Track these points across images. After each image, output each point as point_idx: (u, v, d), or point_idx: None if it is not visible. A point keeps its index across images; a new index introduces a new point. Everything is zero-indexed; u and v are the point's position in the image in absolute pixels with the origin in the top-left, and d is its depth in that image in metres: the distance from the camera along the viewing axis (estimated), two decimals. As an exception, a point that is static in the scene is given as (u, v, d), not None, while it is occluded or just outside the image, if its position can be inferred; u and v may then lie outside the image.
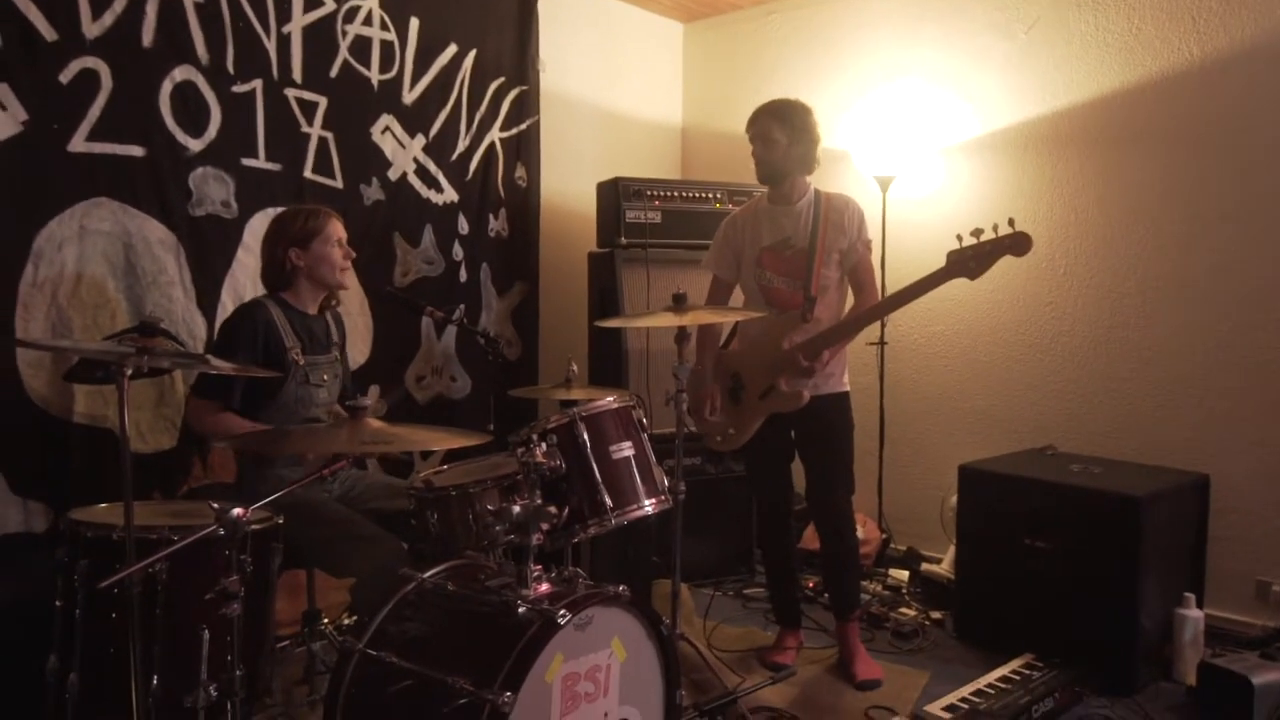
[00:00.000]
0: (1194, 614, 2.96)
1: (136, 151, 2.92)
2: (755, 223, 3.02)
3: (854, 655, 3.00)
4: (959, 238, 2.64)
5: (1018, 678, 2.78)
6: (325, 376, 2.70)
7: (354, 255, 2.75)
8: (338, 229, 2.70)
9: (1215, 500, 3.22)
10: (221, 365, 2.18)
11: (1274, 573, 3.20)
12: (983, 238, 2.60)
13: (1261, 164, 3.21)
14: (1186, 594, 2.99)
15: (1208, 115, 3.33)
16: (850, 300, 3.05)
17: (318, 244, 2.65)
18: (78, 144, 2.79)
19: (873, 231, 3.97)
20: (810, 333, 2.86)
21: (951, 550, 3.57)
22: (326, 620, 2.77)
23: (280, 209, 3.26)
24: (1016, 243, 2.59)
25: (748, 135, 2.98)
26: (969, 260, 2.64)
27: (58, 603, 2.09)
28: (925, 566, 3.78)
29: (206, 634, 1.92)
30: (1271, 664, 2.69)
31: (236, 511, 1.68)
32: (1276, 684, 2.60)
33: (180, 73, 3.00)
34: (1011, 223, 2.59)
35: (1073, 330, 3.67)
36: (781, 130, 2.90)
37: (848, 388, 3.02)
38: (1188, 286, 3.39)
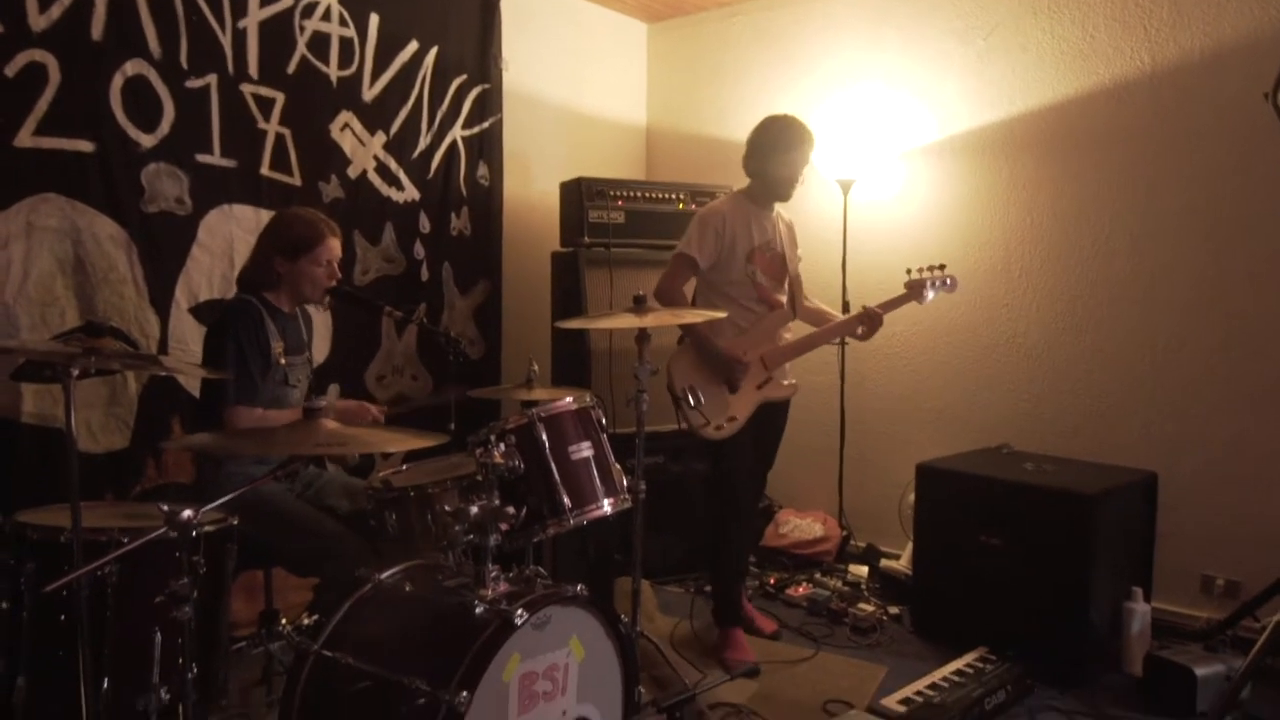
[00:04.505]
0: (1142, 608, 3.03)
1: (86, 146, 2.87)
2: (745, 221, 3.12)
3: (753, 614, 3.34)
4: (908, 271, 3.22)
5: (971, 671, 2.83)
6: (300, 377, 2.68)
7: (339, 277, 2.71)
8: (332, 249, 2.64)
9: (1163, 497, 3.30)
10: (174, 365, 2.15)
11: (1218, 567, 3.28)
12: (924, 273, 3.21)
13: (1210, 170, 3.29)
14: (1135, 588, 3.06)
15: (1159, 122, 3.41)
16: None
17: (305, 262, 2.60)
18: (24, 139, 2.74)
19: (834, 234, 4.09)
20: (796, 331, 3.23)
21: (909, 547, 3.62)
22: (285, 621, 2.74)
23: (236, 205, 3.24)
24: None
25: (790, 158, 3.08)
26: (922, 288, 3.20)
27: (4, 605, 2.05)
28: (884, 563, 3.83)
29: (158, 636, 1.89)
30: (1214, 655, 2.77)
31: (187, 513, 1.66)
32: (1219, 674, 2.68)
33: (131, 67, 2.95)
34: (943, 266, 3.21)
35: (1027, 332, 3.74)
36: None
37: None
38: (1138, 289, 3.47)
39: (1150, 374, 3.44)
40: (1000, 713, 2.68)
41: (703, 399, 3.02)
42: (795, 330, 3.26)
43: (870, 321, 3.13)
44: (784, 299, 3.21)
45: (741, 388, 3.08)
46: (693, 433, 3.04)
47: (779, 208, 3.24)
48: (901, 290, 3.21)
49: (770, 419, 3.22)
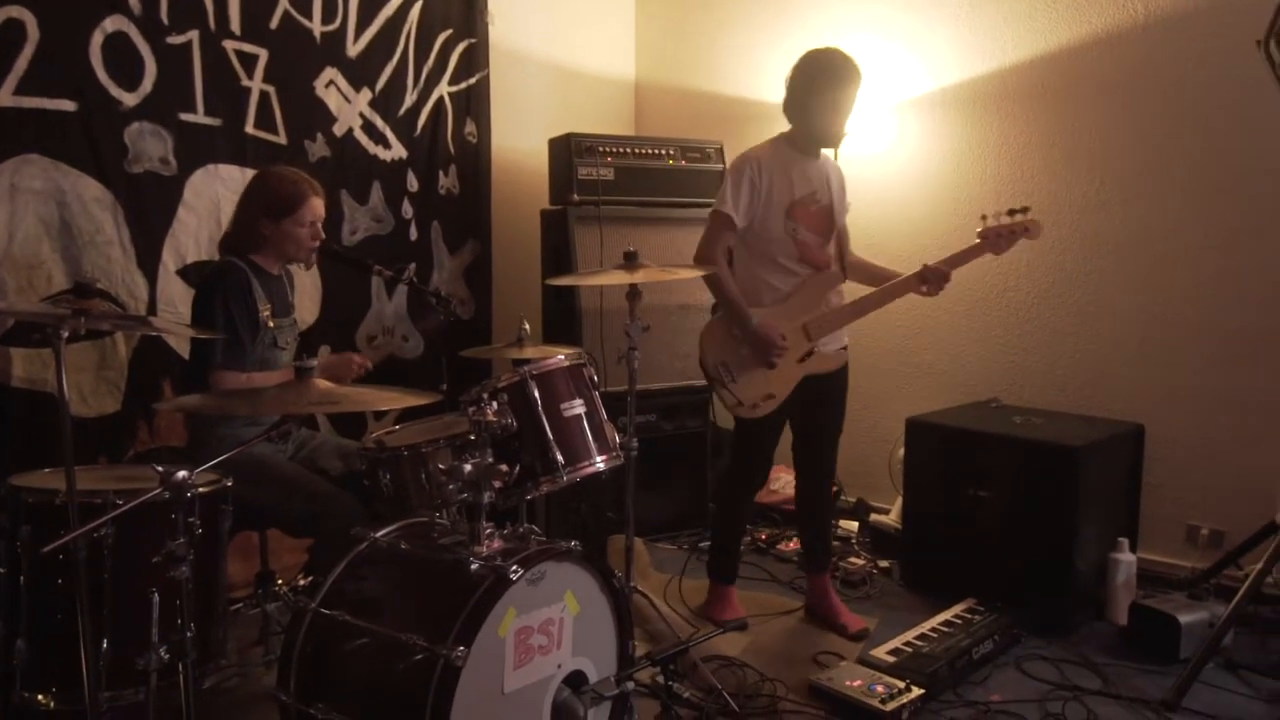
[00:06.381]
0: (1127, 558, 3.08)
1: (68, 106, 2.82)
2: (785, 171, 2.86)
3: (840, 609, 3.05)
4: (984, 217, 2.86)
5: (960, 621, 2.88)
6: (288, 339, 2.67)
7: (324, 237, 2.68)
8: (315, 209, 2.61)
9: (1149, 448, 3.34)
10: (163, 325, 2.14)
11: (1203, 517, 3.33)
12: (1001, 220, 2.84)
13: (1203, 122, 3.27)
14: (1120, 538, 3.10)
15: (1152, 73, 3.38)
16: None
17: (289, 223, 2.57)
18: (5, 98, 2.70)
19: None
20: (844, 295, 2.95)
21: (899, 501, 3.66)
22: (281, 581, 2.77)
23: (221, 165, 3.20)
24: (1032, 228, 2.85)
25: (834, 99, 2.81)
26: (1000, 239, 2.85)
27: (1, 569, 2.06)
28: (874, 517, 3.87)
29: (156, 597, 1.90)
30: (1198, 604, 2.82)
31: (181, 474, 1.66)
32: (1202, 622, 2.73)
33: (111, 23, 2.90)
34: (1026, 210, 2.84)
35: (1018, 286, 3.75)
36: None
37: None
38: (1129, 242, 3.46)
39: (1139, 327, 3.45)
40: (988, 662, 2.73)
41: (737, 377, 2.87)
42: (846, 292, 3.03)
43: (935, 280, 2.87)
44: (831, 258, 2.95)
45: (780, 363, 2.85)
46: (729, 411, 2.93)
47: (826, 155, 2.97)
48: (975, 240, 2.88)
49: (823, 391, 2.96)
